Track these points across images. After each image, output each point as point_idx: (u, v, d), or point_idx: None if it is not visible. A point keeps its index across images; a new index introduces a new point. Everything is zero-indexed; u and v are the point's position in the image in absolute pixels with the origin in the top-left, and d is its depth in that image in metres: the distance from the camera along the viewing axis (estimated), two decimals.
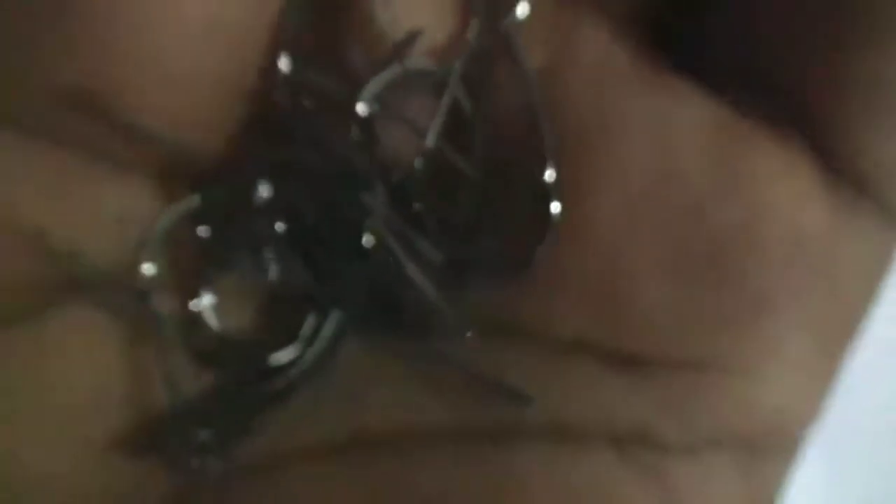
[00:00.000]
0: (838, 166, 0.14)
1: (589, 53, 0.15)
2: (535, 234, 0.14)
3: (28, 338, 0.15)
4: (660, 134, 0.14)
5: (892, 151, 0.14)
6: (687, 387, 0.14)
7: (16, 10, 0.14)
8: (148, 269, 0.15)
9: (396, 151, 0.15)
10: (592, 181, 0.14)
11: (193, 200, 0.15)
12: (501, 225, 0.15)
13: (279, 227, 0.15)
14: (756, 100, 0.14)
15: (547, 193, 0.14)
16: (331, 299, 0.15)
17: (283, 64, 0.14)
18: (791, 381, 0.15)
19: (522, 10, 0.15)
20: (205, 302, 0.15)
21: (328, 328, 0.15)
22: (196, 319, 0.15)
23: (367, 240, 0.15)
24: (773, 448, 0.15)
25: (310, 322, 0.15)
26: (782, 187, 0.14)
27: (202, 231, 0.15)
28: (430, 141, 0.15)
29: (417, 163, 0.15)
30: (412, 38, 0.14)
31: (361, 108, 0.14)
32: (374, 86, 0.14)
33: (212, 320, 0.15)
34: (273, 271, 0.15)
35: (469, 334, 0.15)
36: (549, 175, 0.14)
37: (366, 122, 0.14)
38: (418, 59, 0.15)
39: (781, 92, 0.14)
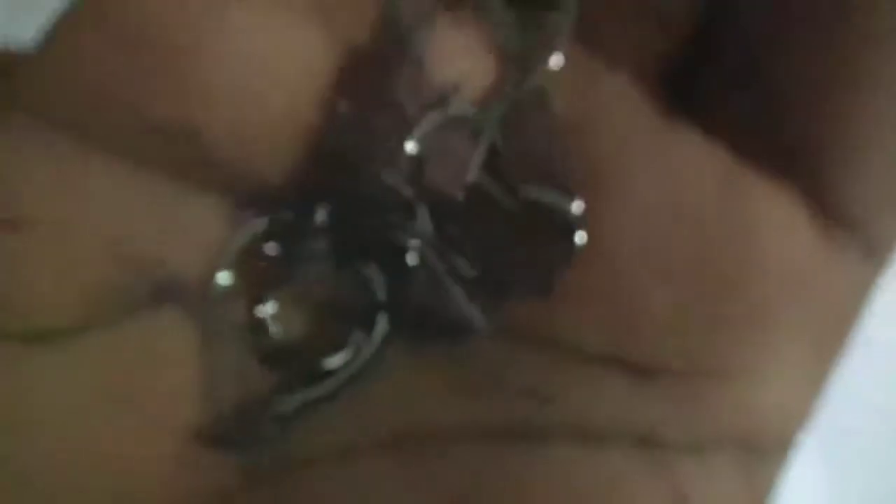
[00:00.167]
0: (830, 209, 0.15)
1: (611, 102, 0.16)
2: (560, 260, 0.15)
3: (117, 339, 0.15)
4: (672, 176, 0.15)
5: (875, 199, 0.15)
6: (693, 392, 0.15)
7: (119, 49, 0.14)
8: (223, 278, 0.15)
9: (439, 183, 0.15)
10: (613, 215, 0.15)
11: (263, 222, 0.15)
12: (531, 250, 0.15)
13: (335, 246, 0.16)
14: (756, 150, 0.15)
15: (572, 224, 0.15)
16: (378, 310, 0.16)
17: (342, 105, 0.15)
18: (787, 387, 0.16)
19: (556, 61, 0.15)
20: (268, 310, 0.16)
21: (375, 336, 0.16)
22: (260, 325, 0.16)
23: (411, 258, 0.16)
24: (770, 447, 0.16)
25: (359, 330, 0.16)
26: (779, 226, 0.15)
27: (270, 248, 0.16)
28: (471, 176, 0.15)
29: (458, 194, 0.15)
30: (455, 87, 0.15)
31: (410, 147, 0.15)
32: (421, 128, 0.15)
33: (274, 326, 0.16)
34: (328, 285, 0.16)
35: (499, 342, 0.15)
36: (577, 207, 0.15)
37: (414, 159, 0.15)
38: (460, 104, 0.15)
39: (780, 146, 0.15)
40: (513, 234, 0.16)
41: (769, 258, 0.15)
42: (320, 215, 0.16)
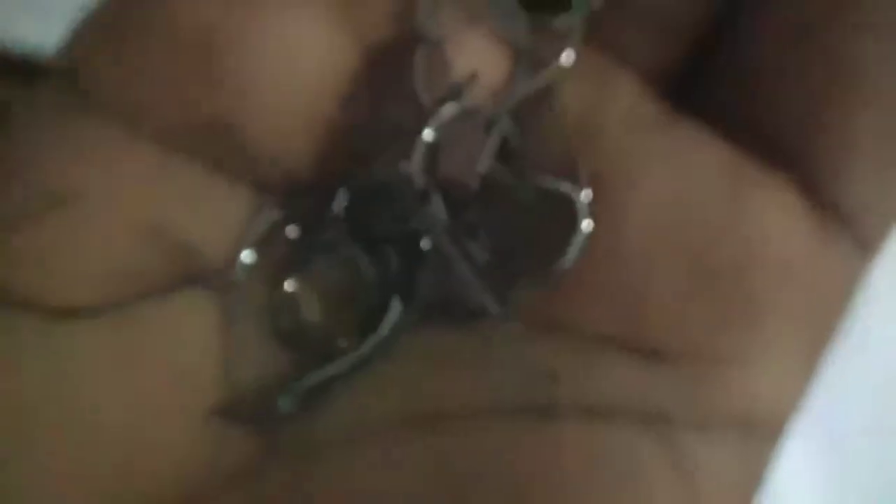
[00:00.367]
0: (826, 203, 0.16)
1: (620, 98, 0.16)
2: (569, 247, 0.16)
3: (144, 318, 0.16)
4: (678, 170, 0.16)
5: (869, 193, 0.16)
6: (697, 376, 0.16)
7: (170, 49, 0.15)
8: (247, 256, 0.16)
9: (453, 173, 0.16)
10: (621, 206, 0.16)
11: (284, 208, 0.16)
12: (541, 237, 0.16)
13: (352, 232, 0.16)
14: (755, 146, 0.16)
15: (581, 212, 0.16)
16: (392, 294, 0.16)
17: (361, 97, 0.16)
18: (782, 373, 0.16)
19: (568, 57, 0.16)
20: (289, 289, 0.16)
21: (389, 319, 0.16)
22: (281, 305, 0.16)
23: (426, 244, 0.16)
24: (766, 427, 0.16)
25: (375, 312, 0.16)
26: (778, 218, 0.16)
27: (290, 231, 0.16)
28: (483, 166, 0.16)
29: (471, 183, 0.16)
30: (470, 78, 0.16)
31: (427, 136, 0.16)
32: (437, 119, 0.16)
33: (295, 305, 0.16)
34: (345, 269, 0.16)
35: (511, 325, 0.16)
36: (585, 196, 0.16)
37: (429, 148, 0.16)
38: (475, 97, 0.16)
39: (778, 142, 0.16)
40: (524, 222, 0.16)
41: (768, 249, 0.16)
42: (338, 202, 0.16)
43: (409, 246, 0.16)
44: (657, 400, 0.16)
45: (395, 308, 0.16)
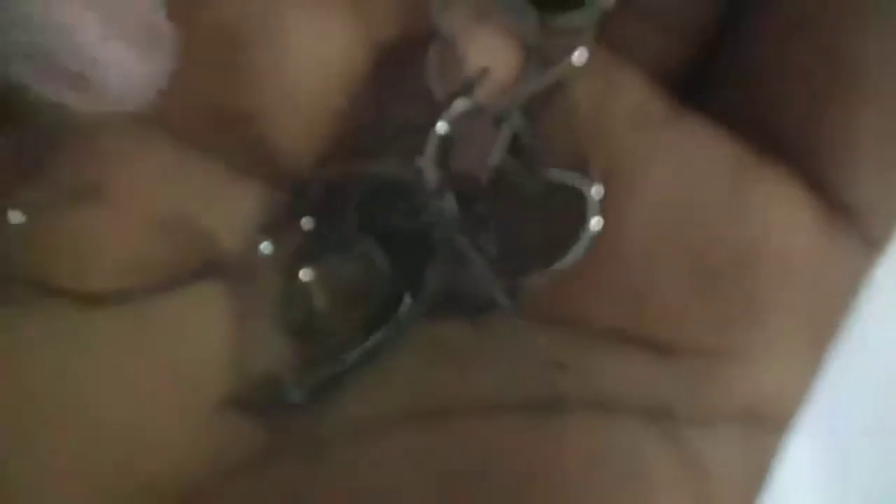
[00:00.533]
0: (830, 201, 0.16)
1: (627, 96, 0.16)
2: (578, 242, 0.16)
3: (161, 308, 0.16)
4: (684, 166, 0.16)
5: (874, 191, 0.16)
6: (702, 370, 0.16)
7: (194, 46, 0.15)
8: (266, 247, 0.16)
9: (464, 166, 0.16)
10: (627, 201, 0.16)
11: (298, 201, 0.16)
12: (550, 231, 0.16)
13: (364, 225, 0.16)
14: (761, 143, 0.16)
15: (591, 208, 0.16)
16: (403, 287, 0.16)
17: (374, 91, 0.16)
18: (787, 368, 0.16)
19: (580, 56, 0.16)
20: (305, 278, 0.16)
21: (400, 312, 0.16)
22: (292, 297, 0.16)
23: (437, 237, 0.16)
24: (772, 422, 0.17)
25: (386, 306, 0.16)
26: (783, 214, 0.16)
27: (305, 223, 0.16)
28: (493, 160, 0.16)
29: (482, 176, 0.16)
30: (482, 73, 0.16)
31: (441, 127, 0.16)
32: (449, 114, 0.16)
33: (306, 298, 0.16)
34: (356, 263, 0.16)
35: (519, 319, 0.16)
36: (596, 192, 0.16)
37: (441, 142, 0.16)
38: (486, 92, 0.16)
39: (785, 137, 0.16)
40: (534, 217, 0.16)
41: (773, 245, 0.16)
42: (351, 196, 0.16)
43: (420, 240, 0.16)
44: (661, 395, 0.16)
45: (407, 301, 0.16)
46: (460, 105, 0.16)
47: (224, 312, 0.16)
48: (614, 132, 0.16)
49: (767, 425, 0.17)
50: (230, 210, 0.16)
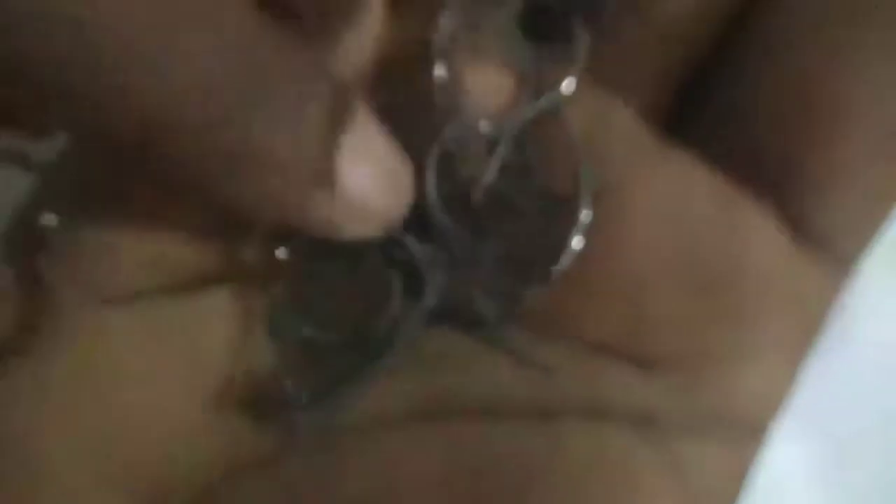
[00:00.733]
0: (805, 228, 0.17)
1: (619, 123, 0.17)
2: (563, 259, 0.16)
3: (178, 309, 0.17)
4: (672, 191, 0.17)
5: (845, 218, 0.17)
6: (689, 379, 0.17)
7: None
8: (281, 253, 0.17)
9: (461, 185, 0.17)
10: (620, 222, 0.17)
11: None
12: (541, 248, 0.17)
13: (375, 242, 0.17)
14: (742, 175, 0.17)
15: (578, 227, 0.16)
16: (407, 298, 0.17)
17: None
18: (765, 377, 0.17)
19: (568, 86, 0.17)
20: (308, 288, 0.17)
21: (403, 323, 0.17)
22: (297, 306, 0.17)
23: (435, 253, 0.17)
24: (752, 426, 0.17)
25: (392, 313, 0.17)
26: (762, 239, 0.17)
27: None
28: (488, 179, 0.17)
29: (476, 195, 0.17)
30: (476, 102, 0.16)
31: (435, 151, 0.16)
32: (445, 136, 0.16)
33: (310, 307, 0.17)
34: (363, 273, 0.17)
35: (515, 331, 0.17)
36: (585, 216, 0.17)
37: (440, 163, 0.16)
38: (480, 117, 0.17)
39: (762, 173, 0.17)
40: (527, 233, 0.17)
41: (753, 266, 0.17)
42: None
43: (424, 252, 0.17)
44: (651, 404, 0.17)
45: (408, 314, 0.17)
46: (457, 129, 0.17)
47: (236, 314, 0.17)
48: (608, 157, 0.17)
49: (747, 431, 0.17)
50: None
